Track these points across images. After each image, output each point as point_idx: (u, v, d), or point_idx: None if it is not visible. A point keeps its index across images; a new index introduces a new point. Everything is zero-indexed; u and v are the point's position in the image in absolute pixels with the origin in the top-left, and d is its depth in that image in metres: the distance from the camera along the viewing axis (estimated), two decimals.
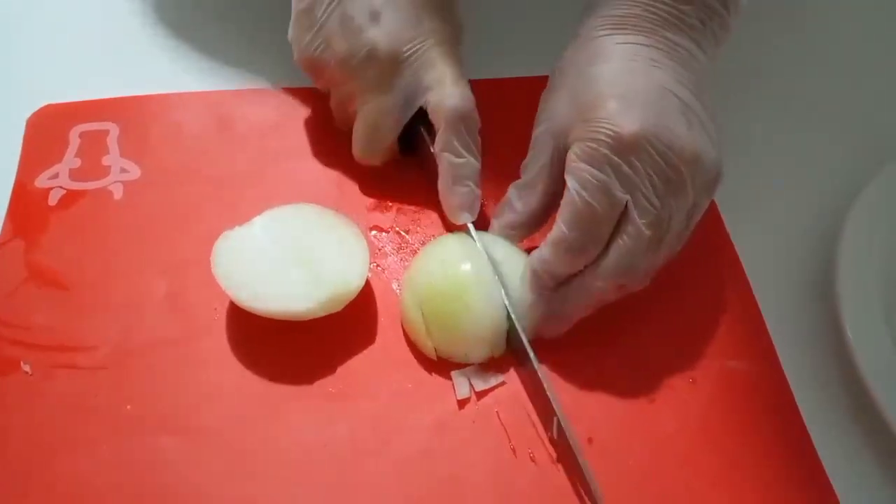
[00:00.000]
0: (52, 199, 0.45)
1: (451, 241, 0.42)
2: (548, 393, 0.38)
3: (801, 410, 0.41)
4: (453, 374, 0.40)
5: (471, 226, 0.43)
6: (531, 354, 0.39)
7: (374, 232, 0.46)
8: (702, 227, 0.42)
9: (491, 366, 0.41)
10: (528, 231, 0.43)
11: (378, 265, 0.44)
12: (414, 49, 0.43)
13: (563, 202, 0.39)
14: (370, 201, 0.47)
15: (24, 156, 0.47)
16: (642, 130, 0.37)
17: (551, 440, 0.39)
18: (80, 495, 0.36)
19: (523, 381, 0.41)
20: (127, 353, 0.40)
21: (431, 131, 0.44)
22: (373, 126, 0.45)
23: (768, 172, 0.50)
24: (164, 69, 0.52)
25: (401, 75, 0.43)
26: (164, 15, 0.55)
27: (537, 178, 0.42)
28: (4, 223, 0.44)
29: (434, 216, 0.46)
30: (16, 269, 0.43)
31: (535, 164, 0.42)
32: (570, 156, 0.38)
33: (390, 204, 0.47)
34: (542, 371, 0.39)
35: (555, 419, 0.38)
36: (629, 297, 0.40)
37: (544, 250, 0.39)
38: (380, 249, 0.45)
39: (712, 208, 0.47)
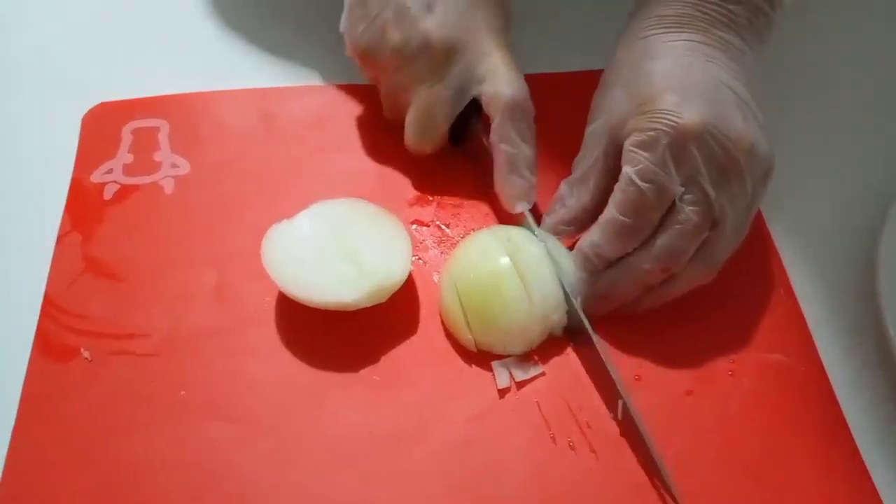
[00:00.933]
0: (107, 194, 0.47)
1: (490, 235, 0.43)
2: (612, 374, 0.39)
3: (840, 404, 0.41)
4: (493, 364, 0.41)
5: (528, 214, 0.44)
6: (594, 337, 0.40)
7: (414, 226, 0.47)
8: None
9: (530, 357, 0.42)
10: (580, 227, 0.43)
11: (419, 258, 0.45)
12: (467, 39, 0.44)
13: (616, 187, 0.39)
14: (411, 195, 0.48)
15: (80, 152, 0.49)
16: (702, 121, 0.38)
17: (615, 420, 0.40)
18: (135, 477, 0.38)
19: (584, 363, 0.41)
20: (178, 342, 0.42)
21: (484, 121, 0.45)
22: (426, 115, 0.45)
23: (808, 170, 0.50)
24: (210, 67, 0.53)
25: (454, 65, 0.44)
26: (209, 15, 0.57)
27: (590, 173, 0.42)
28: (63, 217, 0.46)
29: (474, 210, 0.47)
30: (74, 260, 0.44)
31: (588, 159, 0.43)
32: (627, 145, 0.39)
33: (430, 198, 0.48)
34: (605, 351, 0.40)
35: (620, 401, 0.39)
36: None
37: (595, 233, 0.40)
38: (421, 243, 0.46)
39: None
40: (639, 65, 0.41)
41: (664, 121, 0.38)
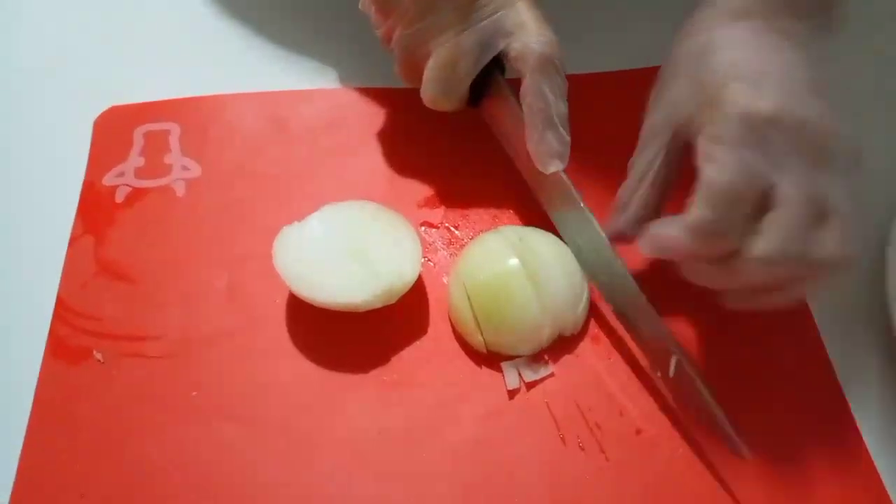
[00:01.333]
0: (119, 197, 0.48)
1: (499, 236, 0.43)
2: (663, 328, 0.39)
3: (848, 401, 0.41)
4: (503, 364, 0.41)
5: (563, 174, 0.42)
6: (640, 297, 0.39)
7: (423, 228, 0.47)
8: None
9: (541, 357, 0.42)
10: (640, 230, 0.40)
11: (429, 259, 0.45)
12: None
13: (701, 185, 0.36)
14: (420, 198, 0.48)
15: (91, 155, 0.49)
16: (777, 106, 0.36)
17: (664, 380, 0.40)
18: (148, 477, 0.38)
19: (626, 325, 0.41)
20: (191, 343, 0.42)
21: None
22: (448, 67, 0.43)
23: None
24: (220, 71, 0.54)
25: (480, 13, 0.42)
26: (219, 20, 0.57)
27: (651, 170, 0.41)
28: (75, 220, 0.46)
29: (483, 212, 0.47)
30: (87, 263, 0.45)
31: (647, 156, 0.41)
32: (703, 140, 0.37)
33: (439, 200, 0.48)
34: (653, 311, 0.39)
35: (673, 358, 0.39)
36: (673, 298, 0.41)
37: (683, 239, 0.37)
38: (430, 244, 0.46)
39: None
40: (701, 57, 0.39)
41: (739, 110, 0.36)
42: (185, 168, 0.49)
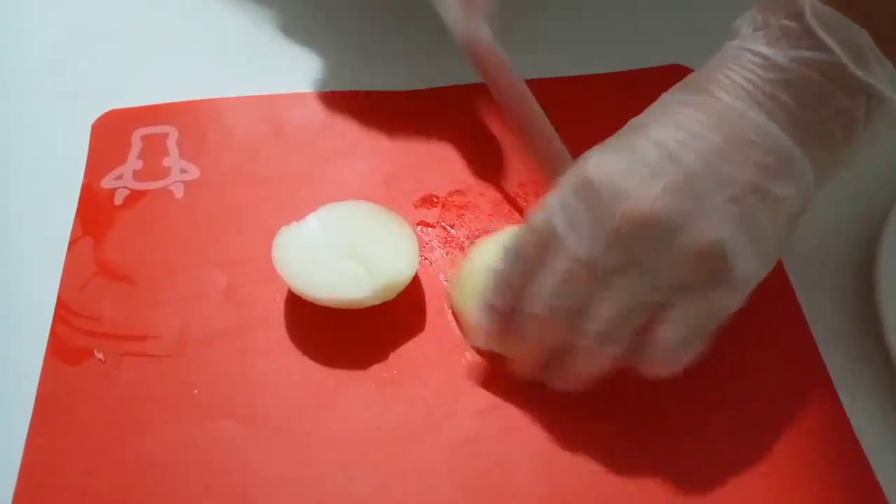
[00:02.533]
0: (118, 199, 0.48)
1: (495, 245, 0.43)
2: None
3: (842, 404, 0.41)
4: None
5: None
6: None
7: (420, 227, 0.47)
8: None
9: None
10: None
11: (426, 258, 0.46)
12: None
13: None
14: (416, 198, 0.49)
15: (90, 158, 0.50)
16: (590, 172, 0.36)
17: None
18: (149, 475, 0.39)
19: None
20: (190, 343, 0.43)
21: None
22: None
23: None
24: (218, 74, 0.54)
25: None
26: (217, 24, 0.58)
27: None
28: (74, 222, 0.47)
29: (478, 211, 0.48)
30: (86, 264, 0.45)
31: None
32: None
33: (435, 200, 0.49)
34: None
35: None
36: None
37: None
38: (427, 243, 0.47)
39: None
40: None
41: (573, 171, 0.37)
42: (183, 171, 0.49)
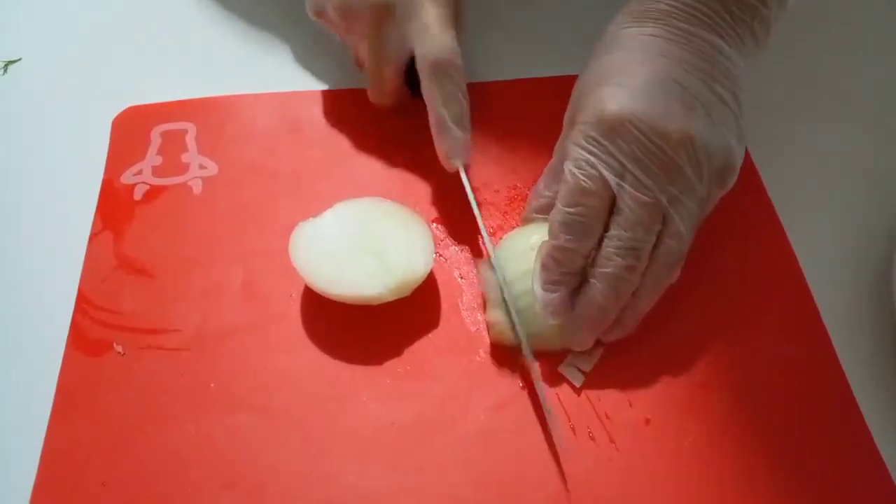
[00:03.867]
0: (137, 194, 0.49)
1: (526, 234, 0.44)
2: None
3: (854, 395, 0.41)
4: (562, 369, 0.42)
5: (462, 170, 0.45)
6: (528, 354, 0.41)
7: (434, 224, 0.48)
8: (754, 220, 0.43)
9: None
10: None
11: (440, 255, 0.46)
12: None
13: (560, 183, 0.40)
14: (430, 195, 0.49)
15: (110, 154, 0.50)
16: (621, 110, 0.38)
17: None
18: (168, 467, 0.39)
19: None
20: (208, 336, 0.43)
21: None
22: (377, 73, 0.47)
23: (826, 170, 0.50)
24: (236, 72, 0.55)
25: (392, 24, 0.45)
26: (235, 22, 0.58)
27: (557, 164, 0.43)
28: (95, 216, 0.47)
29: (493, 208, 0.48)
30: (106, 258, 0.46)
31: (557, 151, 0.44)
32: (567, 141, 0.40)
33: (450, 197, 0.49)
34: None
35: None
36: (682, 289, 0.42)
37: (548, 236, 0.40)
38: (441, 240, 0.47)
39: (763, 202, 0.48)
40: (596, 59, 0.42)
41: (591, 112, 0.39)
42: (201, 166, 0.50)
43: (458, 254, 0.47)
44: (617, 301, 0.40)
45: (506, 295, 0.42)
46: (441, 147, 0.45)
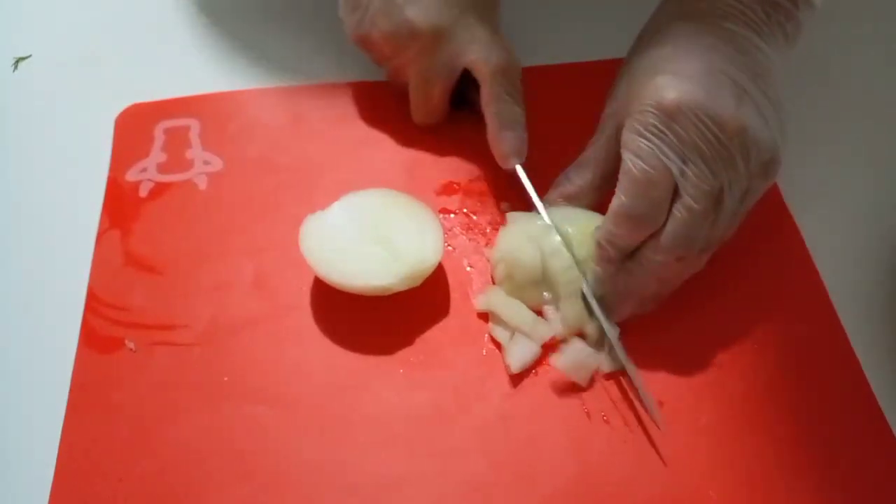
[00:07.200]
0: (143, 191, 0.49)
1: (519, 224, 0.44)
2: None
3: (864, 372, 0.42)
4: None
5: (519, 168, 0.46)
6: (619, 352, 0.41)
7: (442, 214, 0.48)
8: (764, 210, 0.43)
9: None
10: (578, 204, 0.45)
11: (449, 245, 0.46)
12: (453, 21, 0.46)
13: (620, 173, 0.40)
14: (438, 185, 0.49)
15: (114, 152, 0.50)
16: (682, 99, 0.39)
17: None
18: (183, 461, 0.39)
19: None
20: (219, 330, 0.43)
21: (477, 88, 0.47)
22: (424, 94, 0.49)
23: (837, 163, 0.51)
24: (239, 67, 0.55)
25: (442, 46, 0.46)
26: (237, 17, 0.58)
27: (594, 154, 0.44)
28: (101, 214, 0.47)
29: (500, 197, 0.48)
30: (114, 255, 0.46)
31: (595, 142, 0.44)
32: (624, 131, 0.41)
33: (457, 187, 0.49)
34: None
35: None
36: (696, 273, 0.42)
37: (607, 221, 0.41)
38: (449, 230, 0.47)
39: (774, 193, 0.48)
40: (643, 53, 0.43)
41: (650, 102, 0.39)
42: (206, 162, 0.50)
43: (466, 243, 0.47)
44: (662, 286, 0.42)
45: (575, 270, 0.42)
46: (501, 147, 0.46)
